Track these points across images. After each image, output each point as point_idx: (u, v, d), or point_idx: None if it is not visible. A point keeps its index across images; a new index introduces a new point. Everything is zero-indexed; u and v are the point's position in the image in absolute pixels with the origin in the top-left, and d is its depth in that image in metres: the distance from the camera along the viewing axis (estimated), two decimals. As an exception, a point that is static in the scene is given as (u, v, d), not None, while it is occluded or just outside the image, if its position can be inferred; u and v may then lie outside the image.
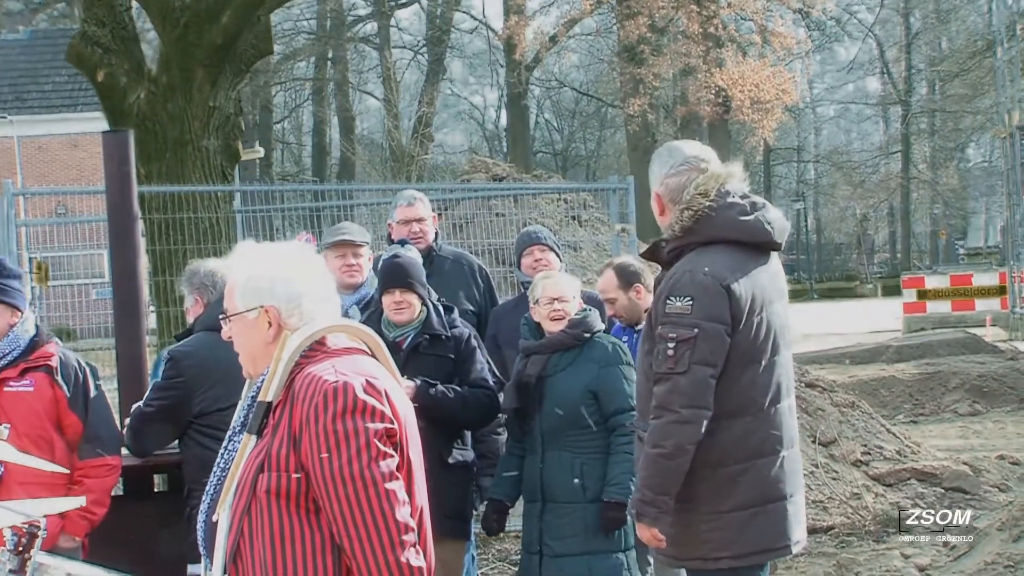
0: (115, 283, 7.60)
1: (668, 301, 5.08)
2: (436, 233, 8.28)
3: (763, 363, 5.20)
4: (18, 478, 6.06)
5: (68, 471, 6.18)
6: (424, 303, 6.88)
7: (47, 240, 15.68)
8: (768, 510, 5.21)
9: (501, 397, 7.02)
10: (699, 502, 5.14)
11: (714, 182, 5.23)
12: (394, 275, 6.82)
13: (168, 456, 6.89)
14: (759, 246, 5.29)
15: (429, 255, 7.95)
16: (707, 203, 5.19)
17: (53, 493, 6.14)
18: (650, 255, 5.46)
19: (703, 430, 5.04)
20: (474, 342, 6.98)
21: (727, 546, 5.16)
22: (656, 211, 5.39)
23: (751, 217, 5.25)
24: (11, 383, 6.20)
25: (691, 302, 5.03)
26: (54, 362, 6.33)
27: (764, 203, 5.36)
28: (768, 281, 5.27)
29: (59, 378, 6.32)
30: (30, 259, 13.80)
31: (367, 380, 3.72)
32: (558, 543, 6.61)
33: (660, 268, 5.45)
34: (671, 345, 5.03)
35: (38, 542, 4.35)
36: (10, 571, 4.32)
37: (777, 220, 5.33)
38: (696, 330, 5.01)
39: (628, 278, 7.32)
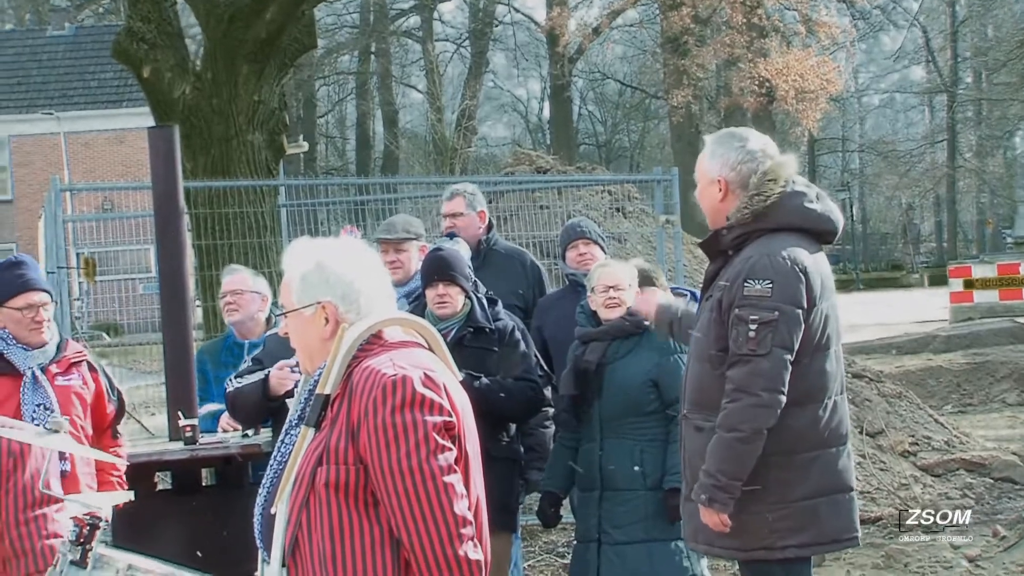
0: (162, 278, 7.64)
1: (747, 284, 5.07)
2: (491, 226, 8.24)
3: (830, 351, 5.23)
4: (79, 470, 6.17)
5: (126, 462, 6.27)
6: (468, 296, 6.87)
7: (94, 236, 15.79)
8: (836, 500, 5.25)
9: (547, 390, 7.01)
10: (768, 491, 5.13)
11: (783, 170, 5.24)
12: (436, 268, 6.81)
13: (215, 451, 6.92)
14: (819, 236, 5.30)
15: (478, 249, 7.95)
16: (778, 190, 5.19)
17: (102, 483, 6.27)
18: (709, 244, 5.41)
19: (778, 414, 5.04)
20: (518, 334, 6.94)
21: (793, 535, 5.17)
22: (715, 197, 5.32)
23: (817, 206, 5.26)
24: (60, 377, 6.30)
25: (771, 285, 5.04)
26: (88, 356, 6.47)
27: (823, 194, 5.38)
28: (827, 271, 5.29)
29: (97, 371, 6.46)
30: (77, 255, 13.90)
31: (425, 373, 3.73)
32: (618, 531, 6.58)
33: (709, 260, 5.45)
34: (752, 327, 5.02)
35: (99, 534, 4.38)
36: (71, 562, 4.36)
37: (836, 211, 5.37)
38: (777, 313, 5.02)
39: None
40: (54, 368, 6.30)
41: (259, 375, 6.52)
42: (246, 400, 6.61)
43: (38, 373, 6.23)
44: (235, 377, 6.79)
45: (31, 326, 6.21)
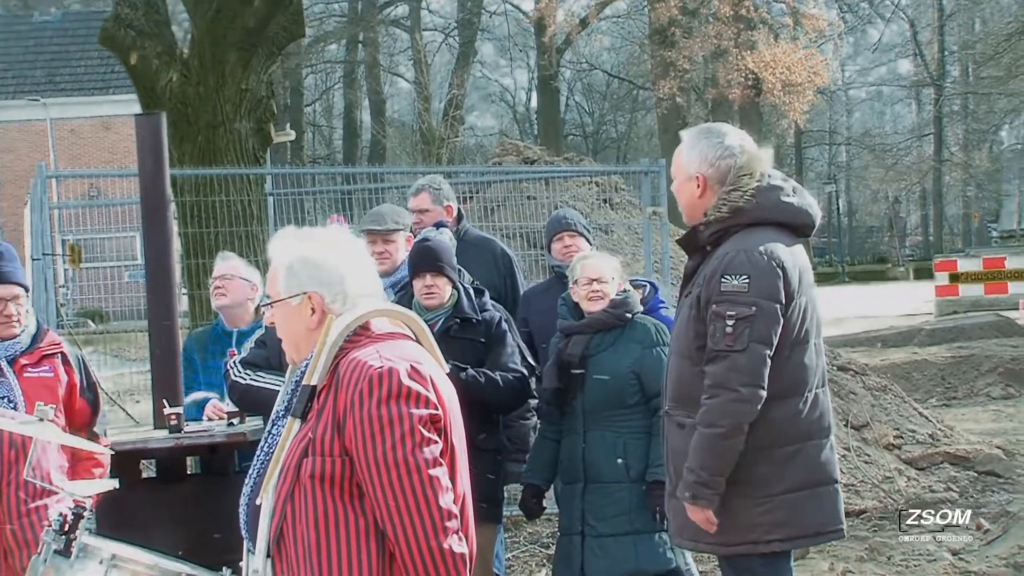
0: (147, 265, 7.61)
1: (723, 279, 5.07)
2: (460, 216, 8.22)
3: (809, 344, 5.23)
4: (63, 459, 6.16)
5: (112, 452, 6.24)
6: (455, 286, 6.86)
7: (79, 222, 15.75)
8: (819, 493, 5.25)
9: (532, 381, 7.00)
10: (751, 486, 5.14)
11: (758, 164, 5.24)
12: (424, 259, 6.79)
13: (200, 439, 6.91)
14: (797, 229, 5.30)
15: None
16: (754, 184, 5.19)
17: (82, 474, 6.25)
18: (687, 241, 5.42)
19: (758, 410, 5.04)
20: (504, 326, 6.92)
21: (777, 528, 5.17)
22: (694, 193, 5.33)
23: (794, 199, 5.27)
24: (30, 369, 6.26)
25: (747, 280, 5.04)
26: (65, 349, 6.42)
27: (800, 187, 5.38)
28: (805, 264, 5.29)
29: (72, 365, 6.41)
30: (63, 241, 13.87)
31: (412, 365, 3.72)
32: (602, 523, 6.58)
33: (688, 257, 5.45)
34: (730, 323, 5.03)
35: (83, 523, 4.38)
36: (55, 551, 4.35)
37: (814, 204, 5.38)
38: (754, 308, 5.03)
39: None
40: (24, 360, 6.26)
41: (277, 381, 6.44)
42: (257, 399, 6.55)
43: (3, 365, 6.19)
44: (243, 364, 6.75)
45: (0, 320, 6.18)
